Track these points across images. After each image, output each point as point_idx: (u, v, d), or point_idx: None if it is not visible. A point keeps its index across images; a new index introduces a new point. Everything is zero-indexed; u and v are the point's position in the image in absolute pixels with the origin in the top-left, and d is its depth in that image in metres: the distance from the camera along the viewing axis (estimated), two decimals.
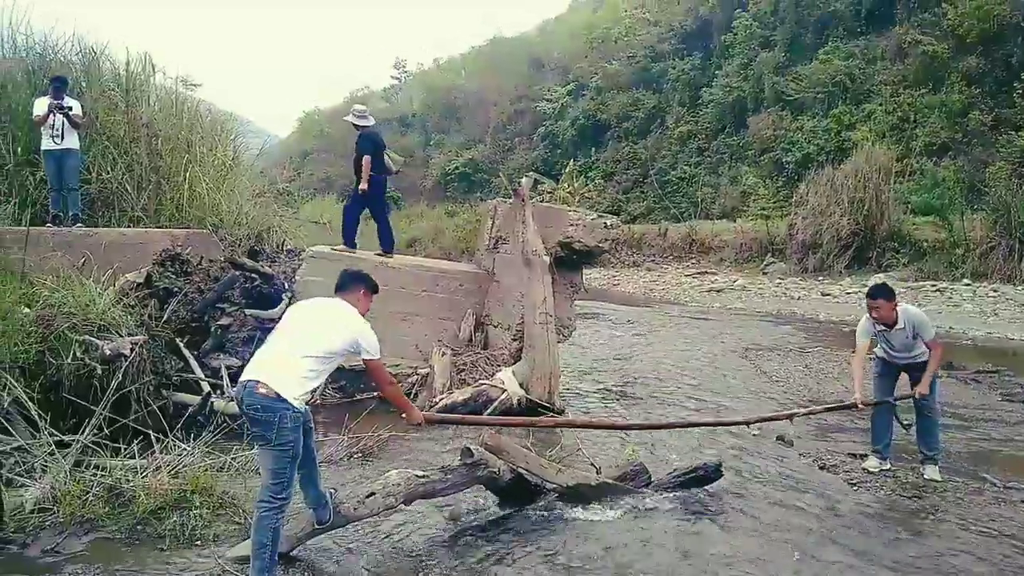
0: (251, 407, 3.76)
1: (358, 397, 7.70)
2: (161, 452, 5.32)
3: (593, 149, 42.38)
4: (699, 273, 26.88)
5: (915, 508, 5.54)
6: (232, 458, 5.45)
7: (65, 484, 4.75)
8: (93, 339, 5.98)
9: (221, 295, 7.89)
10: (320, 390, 6.89)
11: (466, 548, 4.63)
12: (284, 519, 3.94)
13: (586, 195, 32.96)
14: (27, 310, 6.05)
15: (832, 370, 10.87)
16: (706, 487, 5.66)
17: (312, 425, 4.19)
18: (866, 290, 6.26)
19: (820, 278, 23.04)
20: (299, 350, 3.89)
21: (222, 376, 7.10)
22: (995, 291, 18.77)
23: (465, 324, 8.81)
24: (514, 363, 8.13)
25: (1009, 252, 19.84)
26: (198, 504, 4.71)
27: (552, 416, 7.39)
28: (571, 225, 8.55)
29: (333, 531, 4.44)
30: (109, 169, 10.01)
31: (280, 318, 4.38)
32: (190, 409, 6.42)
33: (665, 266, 29.42)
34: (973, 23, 26.53)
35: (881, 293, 5.98)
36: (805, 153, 29.45)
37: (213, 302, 7.80)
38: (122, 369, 5.89)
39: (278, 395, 3.73)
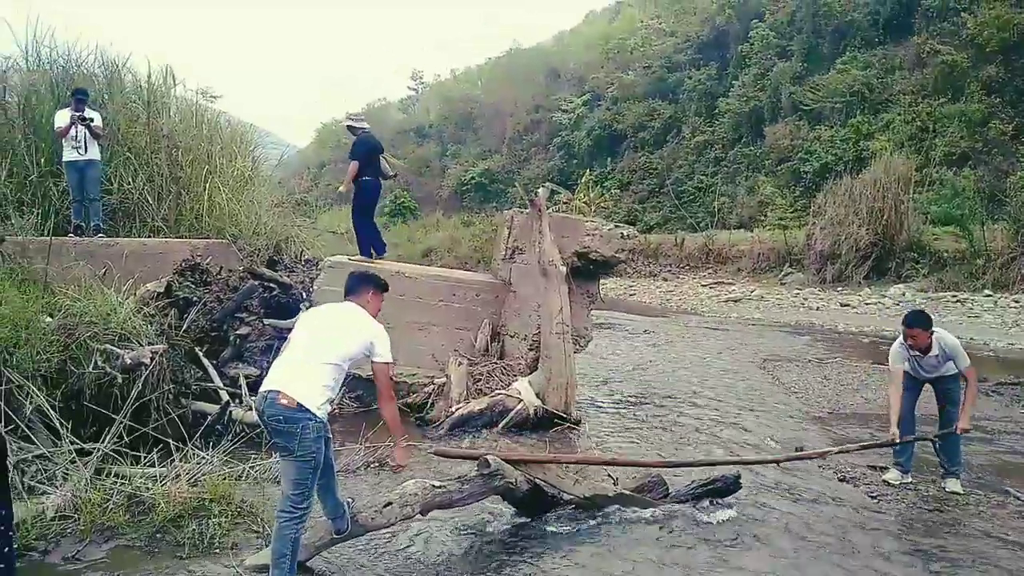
0: (273, 418, 3.76)
1: (375, 407, 7.70)
2: (180, 460, 5.35)
3: (609, 159, 42.43)
4: (716, 283, 26.76)
5: (937, 521, 5.47)
6: (250, 467, 5.48)
7: (86, 492, 4.79)
8: (114, 348, 6.03)
9: (240, 305, 7.95)
10: (338, 399, 6.92)
11: (482, 558, 4.63)
12: (304, 529, 3.95)
13: (602, 205, 32.96)
14: (49, 319, 6.11)
15: (852, 381, 10.77)
16: (725, 499, 5.63)
17: (330, 435, 4.17)
18: (903, 318, 6.06)
19: (839, 288, 22.87)
20: (317, 357, 3.89)
21: (240, 385, 7.14)
22: (1016, 302, 18.53)
23: (481, 334, 8.81)
24: (530, 373, 8.13)
25: None
26: (217, 512, 4.73)
27: (568, 425, 7.38)
28: (588, 235, 8.55)
29: (351, 540, 4.45)
30: (130, 180, 10.13)
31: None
32: (209, 418, 6.46)
33: (682, 276, 29.32)
34: (993, 32, 26.39)
35: (918, 322, 5.85)
36: (823, 163, 29.34)
37: (232, 312, 7.85)
38: (142, 378, 5.94)
39: (300, 405, 3.73)
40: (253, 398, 6.02)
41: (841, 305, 20.91)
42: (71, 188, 9.24)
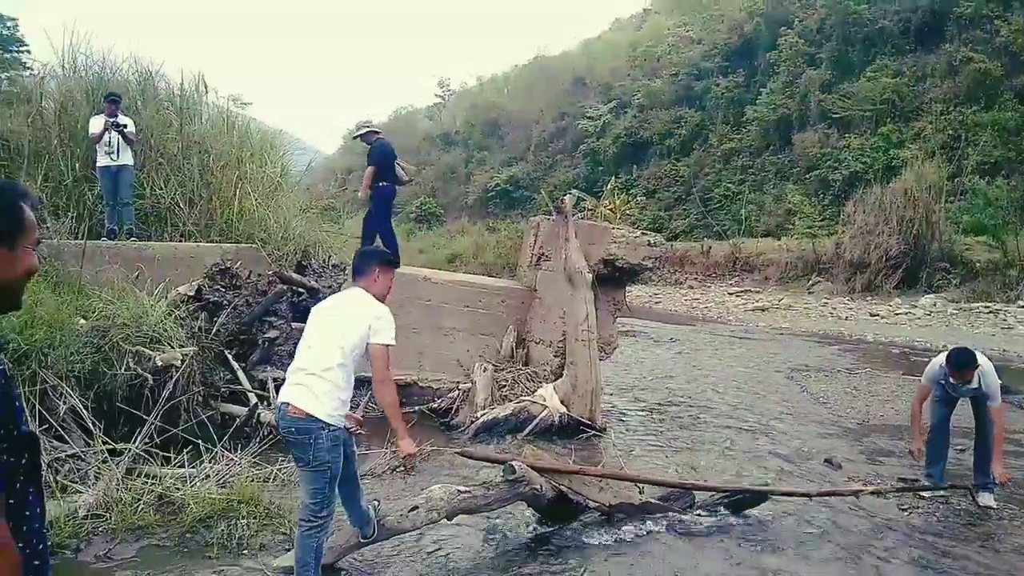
0: (286, 429, 3.77)
1: (404, 410, 7.73)
2: (209, 462, 5.42)
3: (635, 166, 42.23)
4: (743, 292, 26.53)
5: (969, 536, 5.38)
6: (278, 469, 5.53)
7: (117, 491, 4.87)
8: (145, 350, 6.12)
9: (268, 308, 8.02)
10: (364, 404, 6.96)
11: (507, 564, 4.63)
12: (327, 535, 3.96)
13: (628, 212, 32.80)
14: (83, 321, 6.22)
15: (881, 392, 10.63)
16: (750, 510, 5.58)
17: (354, 449, 4.13)
18: (949, 356, 5.77)
19: (868, 298, 22.56)
20: (318, 364, 3.79)
21: (269, 388, 7.21)
22: None
23: (507, 340, 8.82)
24: (556, 380, 8.11)
25: None
26: (245, 514, 4.79)
27: (593, 433, 7.35)
28: (614, 242, 8.51)
29: (376, 543, 4.47)
30: (162, 185, 10.27)
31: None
32: (238, 420, 6.53)
33: (708, 284, 29.10)
34: None
35: (969, 364, 5.66)
36: (852, 171, 28.98)
37: (261, 315, 7.93)
38: (173, 380, 6.03)
39: (308, 415, 3.68)
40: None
41: (870, 315, 20.64)
42: (104, 193, 9.39)
